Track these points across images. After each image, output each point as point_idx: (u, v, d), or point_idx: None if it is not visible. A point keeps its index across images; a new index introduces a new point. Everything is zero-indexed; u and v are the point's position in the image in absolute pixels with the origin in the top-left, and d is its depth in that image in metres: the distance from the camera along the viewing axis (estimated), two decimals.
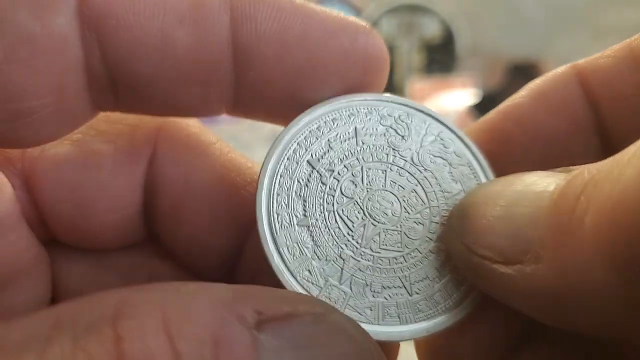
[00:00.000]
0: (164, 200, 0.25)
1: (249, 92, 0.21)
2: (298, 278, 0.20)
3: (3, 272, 0.23)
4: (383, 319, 0.20)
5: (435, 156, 0.22)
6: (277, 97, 0.21)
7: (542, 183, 0.18)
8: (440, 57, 1.20)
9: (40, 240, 0.25)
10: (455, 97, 1.09)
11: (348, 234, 0.21)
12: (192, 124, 0.25)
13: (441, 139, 0.23)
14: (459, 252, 0.20)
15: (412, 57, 1.19)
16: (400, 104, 0.23)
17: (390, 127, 0.22)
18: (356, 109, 0.22)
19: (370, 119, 0.22)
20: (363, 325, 0.19)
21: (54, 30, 0.18)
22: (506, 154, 0.23)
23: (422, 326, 0.20)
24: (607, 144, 0.23)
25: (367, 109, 0.22)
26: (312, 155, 0.22)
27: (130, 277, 0.26)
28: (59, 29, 0.18)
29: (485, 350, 0.22)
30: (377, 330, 0.20)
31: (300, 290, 0.20)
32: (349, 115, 0.22)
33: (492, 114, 0.24)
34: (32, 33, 0.18)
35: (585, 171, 0.16)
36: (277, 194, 0.21)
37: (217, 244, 0.25)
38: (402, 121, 0.22)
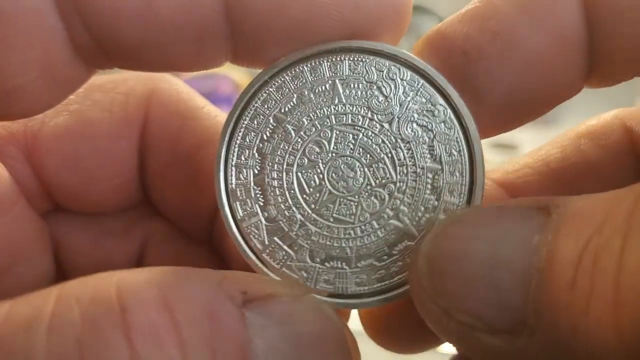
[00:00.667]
0: (154, 163, 0.26)
1: (247, 44, 0.20)
2: (244, 232, 0.20)
3: (6, 250, 0.24)
4: (317, 284, 0.20)
5: (418, 125, 0.20)
6: (278, 45, 0.20)
7: (522, 233, 0.16)
8: None
9: (42, 211, 0.26)
10: None
11: (302, 197, 0.20)
12: (183, 89, 0.26)
13: (431, 105, 0.20)
14: (432, 313, 0.18)
15: None
16: (395, 56, 0.20)
17: (375, 85, 0.20)
18: (340, 59, 0.20)
19: (354, 72, 0.20)
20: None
21: (27, 4, 0.18)
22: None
23: (354, 301, 0.20)
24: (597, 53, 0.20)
25: (354, 60, 0.20)
26: (280, 110, 0.20)
27: (127, 237, 0.27)
28: (32, 3, 0.18)
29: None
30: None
31: (243, 244, 0.20)
32: (330, 66, 0.20)
33: None
34: (4, 12, 0.18)
35: (575, 227, 0.15)
36: (239, 147, 0.20)
37: (203, 203, 0.26)
38: (390, 79, 0.20)
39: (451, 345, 0.18)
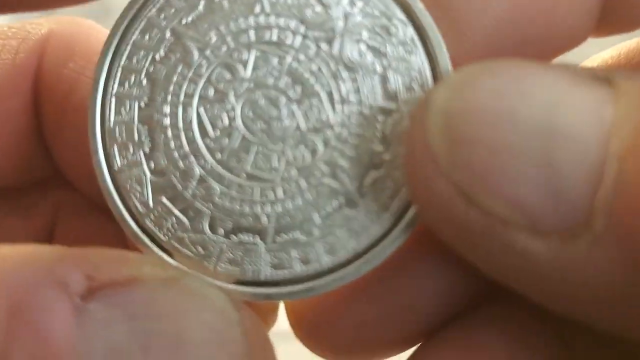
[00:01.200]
0: (50, 116, 0.22)
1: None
2: (122, 187, 0.15)
3: None
4: (217, 265, 0.15)
5: (368, 47, 0.15)
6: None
7: (588, 101, 0.12)
8: None
9: None
10: None
11: (204, 141, 0.15)
12: (93, 30, 0.22)
13: (386, 20, 0.15)
14: (442, 196, 0.12)
15: None
16: None
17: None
18: None
19: None
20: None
21: None
22: None
23: (269, 291, 0.15)
24: None
25: None
26: (181, 20, 0.15)
27: (33, 213, 0.23)
28: None
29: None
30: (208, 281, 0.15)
31: (119, 204, 0.15)
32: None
33: None
34: None
35: None
36: (123, 71, 0.15)
37: None
38: None
39: (462, 249, 0.13)
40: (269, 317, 0.19)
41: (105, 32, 0.22)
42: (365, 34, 0.15)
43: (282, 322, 0.19)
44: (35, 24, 0.22)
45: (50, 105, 0.22)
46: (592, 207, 0.11)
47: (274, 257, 0.15)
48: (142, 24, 0.15)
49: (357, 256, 0.15)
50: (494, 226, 0.12)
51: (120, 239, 0.23)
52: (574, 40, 0.17)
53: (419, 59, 0.15)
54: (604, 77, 0.12)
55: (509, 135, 0.12)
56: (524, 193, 0.12)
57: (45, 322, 0.12)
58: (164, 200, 0.15)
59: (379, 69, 0.15)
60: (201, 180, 0.15)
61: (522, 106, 0.12)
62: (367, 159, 0.15)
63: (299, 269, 0.15)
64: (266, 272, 0.15)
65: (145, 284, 0.13)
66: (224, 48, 0.15)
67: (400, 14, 0.15)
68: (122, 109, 0.15)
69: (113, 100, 0.15)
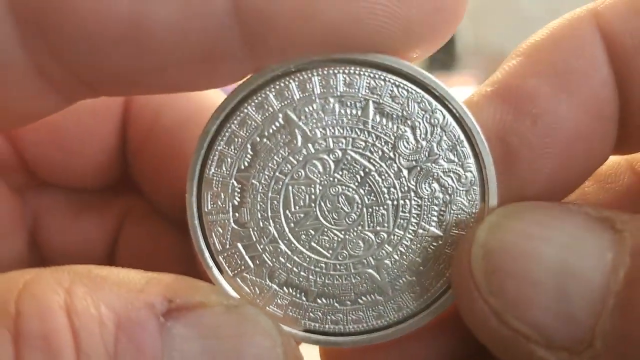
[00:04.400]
0: (135, 137, 0.24)
1: (273, 56, 0.17)
2: (206, 226, 0.18)
3: None
4: (267, 306, 0.19)
5: (439, 184, 0.18)
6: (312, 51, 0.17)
7: (594, 245, 0.15)
8: (441, 56, 1.19)
9: (20, 187, 0.25)
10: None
11: (284, 212, 0.18)
12: None
13: (461, 169, 0.18)
14: (481, 315, 0.16)
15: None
16: (444, 98, 0.18)
17: (410, 122, 0.18)
18: (382, 79, 0.17)
19: (394, 100, 0.18)
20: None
21: None
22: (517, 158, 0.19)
23: (302, 334, 0.19)
24: (627, 123, 0.19)
25: (397, 86, 0.17)
26: (295, 109, 0.17)
27: (104, 214, 0.26)
28: None
29: None
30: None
31: (200, 239, 0.18)
32: (369, 83, 0.17)
33: (496, 101, 0.19)
34: None
35: None
36: (231, 134, 0.18)
37: (181, 183, 0.24)
38: (430, 123, 0.18)
39: (494, 350, 0.17)
40: None
41: None
42: (440, 173, 0.18)
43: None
44: None
45: (136, 129, 0.25)
46: (594, 332, 0.14)
47: (312, 312, 0.19)
48: (258, 99, 0.18)
49: (376, 329, 0.19)
50: (519, 339, 0.15)
51: (173, 244, 0.26)
52: (600, 163, 0.20)
53: (474, 209, 0.18)
54: (608, 218, 0.15)
55: (532, 271, 0.15)
56: (543, 318, 0.15)
57: (140, 337, 0.15)
58: (239, 245, 0.18)
59: (441, 203, 0.18)
60: (273, 240, 0.18)
61: (543, 247, 0.15)
62: (406, 266, 0.19)
63: (327, 326, 0.19)
64: (304, 321, 0.19)
65: (212, 309, 0.17)
66: (323, 145, 0.18)
67: (474, 167, 0.18)
68: (223, 165, 0.18)
69: (217, 155, 0.18)
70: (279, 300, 0.19)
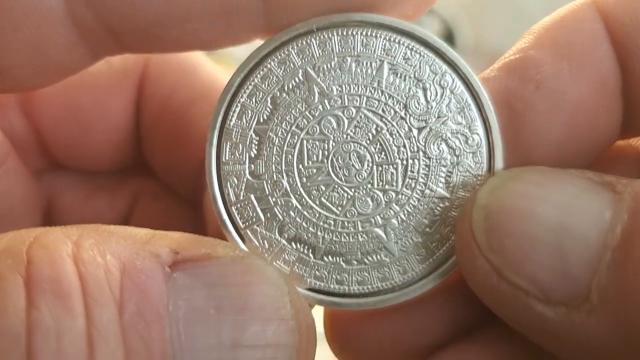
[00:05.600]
0: (148, 116, 0.25)
1: (282, 14, 0.18)
2: (223, 176, 0.19)
3: None
4: (275, 261, 0.19)
5: (447, 145, 0.19)
6: (316, 14, 0.18)
7: (592, 205, 0.15)
8: None
9: (37, 168, 0.25)
10: None
11: (298, 166, 0.19)
12: None
13: (469, 131, 0.19)
14: (481, 272, 0.17)
15: None
16: (454, 63, 0.18)
17: (422, 84, 0.18)
18: (397, 42, 0.18)
19: (407, 62, 0.18)
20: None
21: None
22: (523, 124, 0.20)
23: (305, 292, 0.19)
24: (631, 102, 0.20)
25: (411, 49, 0.18)
26: (314, 66, 0.18)
27: (117, 194, 0.27)
28: None
29: (402, 343, 0.21)
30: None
31: (216, 189, 0.19)
32: (384, 45, 0.18)
33: (503, 73, 0.20)
34: None
35: None
36: (254, 87, 0.18)
37: (192, 160, 0.25)
38: (440, 85, 0.18)
39: (495, 307, 0.17)
40: None
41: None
42: (449, 134, 0.19)
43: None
44: None
45: (150, 106, 0.25)
46: (590, 287, 0.15)
47: (317, 271, 0.19)
48: (280, 55, 0.18)
49: (381, 292, 0.19)
50: (518, 295, 0.16)
51: (185, 222, 0.26)
52: (609, 141, 0.20)
53: (480, 170, 0.19)
54: (609, 182, 0.16)
55: (531, 229, 0.16)
56: (541, 273, 0.15)
57: (145, 283, 0.16)
58: (252, 197, 0.19)
59: (448, 164, 0.19)
60: (285, 193, 0.18)
61: (543, 207, 0.16)
62: (412, 226, 0.19)
63: (332, 286, 0.19)
64: (309, 279, 0.19)
65: (219, 260, 0.17)
66: (339, 102, 0.18)
67: (481, 131, 0.19)
68: (244, 117, 0.19)
69: (239, 107, 0.18)
70: (286, 256, 0.19)
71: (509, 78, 0.19)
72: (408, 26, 0.18)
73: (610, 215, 0.15)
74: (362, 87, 0.18)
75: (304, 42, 0.18)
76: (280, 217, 0.19)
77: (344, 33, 0.18)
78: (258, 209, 0.19)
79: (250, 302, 0.16)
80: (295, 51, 0.18)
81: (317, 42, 0.18)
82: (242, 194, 0.18)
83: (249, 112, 0.18)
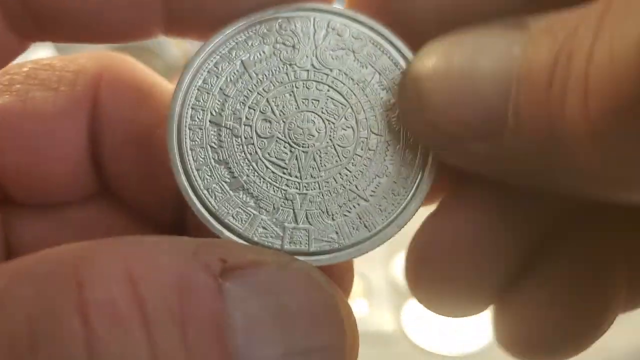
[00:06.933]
0: (109, 145, 0.24)
1: (181, 8, 0.19)
2: (255, 239, 0.19)
3: None
4: (352, 235, 0.20)
5: (334, 50, 0.20)
6: (213, 10, 0.20)
7: (501, 45, 0.17)
8: None
9: None
10: None
11: (284, 173, 0.20)
12: (137, 67, 0.24)
13: (332, 29, 0.21)
14: (424, 133, 0.19)
15: None
16: (275, 14, 0.20)
17: (277, 43, 0.20)
18: (235, 42, 0.20)
19: (252, 44, 0.20)
20: (334, 250, 0.19)
21: None
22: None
23: (392, 225, 0.20)
24: None
25: (245, 35, 0.20)
26: (211, 113, 0.20)
27: (87, 232, 0.25)
28: None
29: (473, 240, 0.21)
30: (350, 251, 0.20)
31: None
32: (229, 51, 0.20)
33: None
34: None
35: (551, 34, 0.16)
36: (197, 169, 0.20)
37: (164, 188, 0.24)
38: (285, 30, 0.20)
39: (443, 155, 0.19)
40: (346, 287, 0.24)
41: (143, 68, 0.24)
42: (327, 44, 0.20)
43: None
44: (88, 58, 0.24)
45: (109, 132, 0.24)
46: (505, 112, 0.16)
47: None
48: (187, 131, 0.20)
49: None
50: (454, 141, 0.18)
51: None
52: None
53: (369, 36, 0.21)
54: (519, 23, 0.17)
55: (449, 82, 0.17)
56: (464, 114, 0.17)
57: (202, 299, 0.15)
58: (286, 224, 0.20)
59: (350, 56, 0.20)
60: (299, 195, 0.20)
61: (455, 60, 0.17)
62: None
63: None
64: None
65: (268, 267, 0.17)
66: (252, 112, 0.20)
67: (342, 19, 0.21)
68: (217, 193, 0.20)
69: (206, 192, 0.20)
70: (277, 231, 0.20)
71: None
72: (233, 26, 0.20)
73: (517, 49, 0.16)
74: (251, 88, 0.20)
75: (191, 110, 0.20)
76: (317, 210, 0.20)
77: (204, 77, 0.20)
78: (301, 226, 0.20)
79: (302, 306, 0.17)
80: (190, 117, 0.20)
81: (194, 98, 0.20)
82: (279, 231, 0.19)
83: (216, 187, 0.19)
